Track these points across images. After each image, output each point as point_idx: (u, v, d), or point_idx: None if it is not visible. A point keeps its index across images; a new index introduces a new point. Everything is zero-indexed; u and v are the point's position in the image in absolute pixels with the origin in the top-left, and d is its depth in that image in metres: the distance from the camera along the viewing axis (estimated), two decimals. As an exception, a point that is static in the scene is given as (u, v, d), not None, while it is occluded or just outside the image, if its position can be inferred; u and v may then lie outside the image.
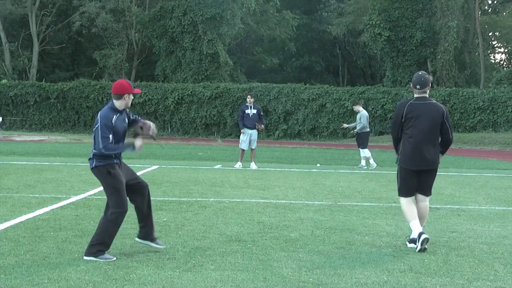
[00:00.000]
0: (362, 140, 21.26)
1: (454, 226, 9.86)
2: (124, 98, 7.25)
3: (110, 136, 7.12)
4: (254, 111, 20.20)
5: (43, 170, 17.33)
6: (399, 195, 8.37)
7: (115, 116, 7.20)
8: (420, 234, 7.85)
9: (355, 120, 22.11)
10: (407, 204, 8.22)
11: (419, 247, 7.80)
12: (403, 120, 8.16)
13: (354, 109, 22.26)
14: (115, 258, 7.07)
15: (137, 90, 7.36)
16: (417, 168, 8.13)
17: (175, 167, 19.56)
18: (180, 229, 8.97)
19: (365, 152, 21.10)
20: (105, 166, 7.20)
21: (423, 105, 8.11)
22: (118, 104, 7.27)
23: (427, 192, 8.31)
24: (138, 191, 7.49)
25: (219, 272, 6.62)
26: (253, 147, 20.34)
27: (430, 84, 8.24)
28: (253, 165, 20.11)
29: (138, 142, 7.30)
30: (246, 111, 20.18)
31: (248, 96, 20.47)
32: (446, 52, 49.03)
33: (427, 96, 8.20)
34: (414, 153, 8.08)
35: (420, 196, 8.30)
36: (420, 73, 8.29)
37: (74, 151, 26.77)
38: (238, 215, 10.43)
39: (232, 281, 6.29)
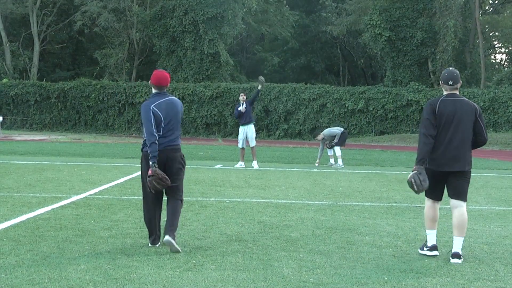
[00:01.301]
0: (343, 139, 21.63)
1: (455, 226, 9.84)
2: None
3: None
4: (245, 105, 20.13)
5: (44, 170, 17.33)
6: (426, 196, 7.86)
7: None
8: (433, 248, 7.65)
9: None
10: (429, 208, 7.82)
11: (423, 253, 7.73)
12: (436, 117, 7.51)
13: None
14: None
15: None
16: (449, 170, 7.55)
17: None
18: (180, 229, 8.96)
19: (340, 151, 21.46)
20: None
21: (456, 102, 7.58)
22: None
23: (462, 196, 7.67)
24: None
25: (219, 272, 6.62)
26: (252, 145, 20.14)
27: (461, 82, 7.73)
28: (254, 164, 20.00)
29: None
30: (239, 108, 20.19)
31: (241, 95, 20.49)
32: (445, 52, 49.01)
33: (458, 93, 7.72)
34: (446, 154, 7.52)
35: (454, 202, 7.70)
36: (451, 68, 7.85)
37: (75, 150, 26.78)
38: (239, 214, 10.43)
39: (232, 281, 6.29)
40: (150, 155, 7.59)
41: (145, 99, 48.61)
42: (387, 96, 45.87)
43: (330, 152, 21.64)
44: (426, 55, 50.76)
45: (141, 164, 7.93)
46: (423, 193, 7.75)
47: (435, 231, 7.82)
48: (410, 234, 9.01)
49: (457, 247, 7.54)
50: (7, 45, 57.02)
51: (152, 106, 7.71)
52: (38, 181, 14.53)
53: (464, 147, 7.57)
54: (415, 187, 7.49)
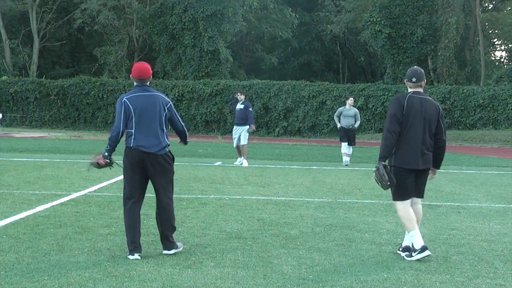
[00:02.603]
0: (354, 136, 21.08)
1: (454, 223, 9.86)
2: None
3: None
4: (242, 106, 20.06)
5: (43, 167, 17.33)
6: (394, 200, 7.54)
7: None
8: (423, 249, 7.24)
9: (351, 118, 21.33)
10: (405, 209, 7.43)
11: (415, 258, 7.24)
12: (403, 112, 7.38)
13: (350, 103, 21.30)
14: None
15: None
16: (416, 168, 7.43)
17: (175, 164, 19.49)
18: (180, 226, 8.96)
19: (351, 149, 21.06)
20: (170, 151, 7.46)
21: (422, 100, 7.51)
22: None
23: (422, 193, 7.68)
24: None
25: (219, 269, 6.62)
26: (242, 143, 19.93)
27: (425, 80, 7.71)
28: (244, 162, 19.86)
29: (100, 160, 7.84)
30: (236, 107, 20.16)
31: (238, 94, 20.35)
32: (447, 49, 48.99)
33: (422, 91, 7.66)
34: (413, 151, 7.41)
35: (415, 199, 7.62)
36: (415, 67, 7.86)
37: (74, 148, 26.78)
38: (238, 212, 10.43)
39: (232, 278, 6.29)
40: (107, 147, 7.36)
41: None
42: (386, 94, 45.85)
43: (349, 151, 20.91)
44: (426, 52, 50.75)
45: (172, 164, 7.50)
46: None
47: (417, 230, 7.41)
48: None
49: (408, 241, 7.51)
50: (7, 42, 56.98)
51: (125, 98, 7.28)
52: (38, 178, 14.52)
53: (430, 145, 7.51)
54: (380, 184, 7.36)
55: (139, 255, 7.02)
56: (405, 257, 7.34)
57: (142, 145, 7.18)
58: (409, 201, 7.49)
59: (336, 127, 22.42)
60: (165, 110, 7.32)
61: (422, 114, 7.44)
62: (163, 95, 7.46)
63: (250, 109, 20.17)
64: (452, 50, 49.06)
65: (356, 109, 21.34)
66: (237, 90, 23.23)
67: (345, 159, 20.79)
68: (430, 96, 37.23)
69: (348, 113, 20.96)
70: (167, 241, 7.24)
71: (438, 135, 7.55)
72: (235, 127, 20.21)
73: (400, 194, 7.46)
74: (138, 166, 7.23)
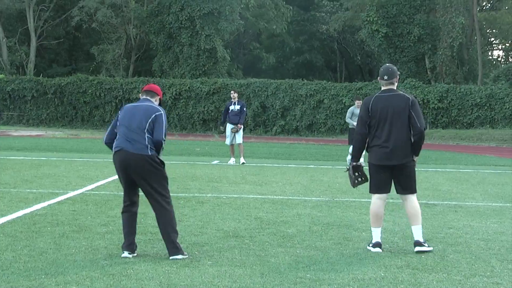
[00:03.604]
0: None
1: (451, 222, 9.87)
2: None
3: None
4: (238, 106, 20.21)
5: (41, 165, 17.31)
6: (370, 192, 7.98)
7: None
8: (376, 245, 7.69)
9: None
10: (374, 204, 7.85)
11: (368, 248, 7.73)
12: (370, 114, 7.73)
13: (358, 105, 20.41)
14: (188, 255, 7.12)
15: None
16: (387, 164, 7.68)
17: (173, 162, 19.55)
18: (177, 225, 8.96)
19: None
20: (155, 155, 7.20)
21: (390, 97, 7.72)
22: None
23: (409, 189, 7.77)
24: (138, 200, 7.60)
25: (216, 268, 6.63)
26: (239, 141, 20.05)
27: (398, 76, 7.89)
28: (241, 160, 19.94)
29: None
30: (230, 107, 20.25)
31: (232, 92, 20.59)
32: (449, 48, 48.98)
33: (395, 88, 7.84)
34: (383, 148, 7.66)
35: (402, 196, 7.85)
36: (387, 64, 8.04)
37: (72, 146, 26.75)
38: (236, 210, 10.43)
39: (229, 277, 6.29)
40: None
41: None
42: (384, 93, 45.86)
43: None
44: (423, 51, 50.76)
45: (161, 167, 7.37)
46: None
47: (379, 229, 7.81)
48: (407, 230, 9.00)
49: (416, 235, 7.71)
50: (4, 40, 56.86)
51: (124, 106, 7.51)
52: (35, 176, 14.52)
53: (401, 141, 7.68)
54: (350, 181, 8.12)
55: (128, 253, 7.05)
56: (367, 246, 7.82)
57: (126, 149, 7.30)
58: (381, 196, 7.85)
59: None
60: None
61: (390, 112, 7.69)
62: (155, 106, 7.39)
63: (245, 109, 20.51)
64: (455, 49, 49.06)
65: None
66: (231, 88, 23.30)
67: (348, 157, 20.54)
68: (427, 95, 37.31)
69: (358, 113, 20.63)
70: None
71: (412, 125, 7.71)
72: (228, 124, 20.25)
73: (373, 188, 7.91)
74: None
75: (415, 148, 7.77)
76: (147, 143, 7.14)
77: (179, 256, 7.03)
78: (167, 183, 7.30)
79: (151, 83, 7.87)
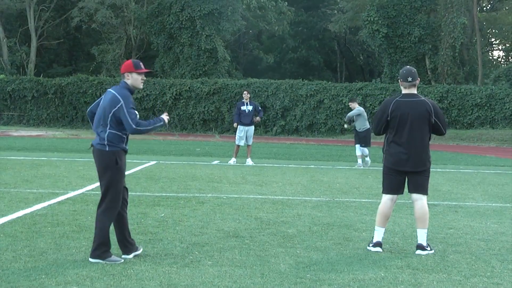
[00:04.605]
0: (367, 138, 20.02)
1: (451, 222, 9.87)
2: (127, 77, 7.01)
3: (136, 112, 6.89)
4: (250, 107, 20.22)
5: (41, 166, 17.31)
6: (382, 192, 7.94)
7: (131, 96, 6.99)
8: (376, 244, 7.71)
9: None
10: (383, 204, 7.82)
11: (369, 248, 7.75)
12: (388, 118, 7.68)
13: (350, 106, 20.67)
14: (122, 260, 6.87)
15: (142, 70, 7.06)
16: (403, 169, 7.69)
17: (173, 162, 19.56)
18: (177, 225, 8.97)
19: (366, 151, 20.09)
20: (115, 153, 6.88)
21: (411, 103, 7.65)
22: (129, 83, 7.02)
23: (421, 190, 7.75)
24: (123, 200, 7.14)
25: (216, 268, 6.63)
26: (249, 143, 20.33)
27: (419, 79, 7.82)
28: (249, 161, 20.07)
29: (165, 116, 7.12)
30: (242, 107, 20.23)
31: (245, 92, 20.49)
32: (451, 49, 48.96)
33: (416, 92, 7.78)
34: (400, 154, 7.64)
35: (413, 195, 7.79)
36: (408, 66, 7.95)
37: (72, 146, 26.75)
38: (236, 211, 10.43)
39: (229, 277, 6.29)
40: (149, 127, 7.02)
41: (142, 95, 48.68)
42: (384, 93, 45.87)
43: (361, 152, 20.00)
44: (423, 51, 50.77)
45: (111, 166, 6.98)
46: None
47: (383, 229, 7.82)
48: (407, 231, 9.02)
49: (420, 239, 7.72)
50: (4, 40, 56.88)
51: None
52: (35, 177, 14.51)
53: (419, 148, 7.67)
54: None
55: (133, 253, 7.02)
56: (367, 246, 7.84)
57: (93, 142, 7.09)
58: (393, 197, 7.83)
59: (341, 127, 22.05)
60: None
61: (410, 118, 7.62)
62: (116, 94, 6.95)
63: (260, 108, 20.71)
64: (457, 50, 49.03)
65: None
66: (244, 89, 23.25)
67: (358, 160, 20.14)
68: (427, 95, 37.15)
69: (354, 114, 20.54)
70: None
71: (437, 131, 7.76)
72: (241, 127, 20.21)
73: (385, 188, 7.89)
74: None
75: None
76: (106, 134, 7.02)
77: (97, 260, 6.80)
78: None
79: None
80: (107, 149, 6.89)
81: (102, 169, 6.94)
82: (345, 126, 20.64)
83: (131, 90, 7.04)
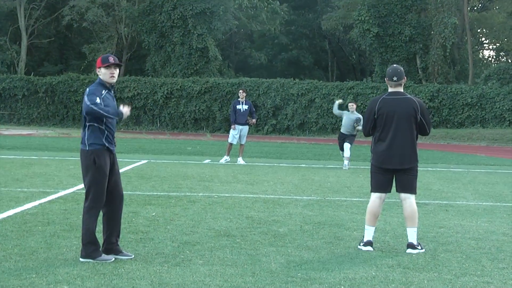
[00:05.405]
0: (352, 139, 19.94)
1: (442, 221, 9.90)
2: (98, 73, 7.03)
3: (98, 99, 6.85)
4: (246, 106, 20.23)
5: (32, 164, 17.26)
6: (370, 191, 7.98)
7: (104, 91, 7.00)
8: (367, 244, 7.72)
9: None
10: (372, 202, 7.84)
11: (359, 247, 7.76)
12: (375, 116, 7.74)
13: (351, 107, 20.41)
14: (113, 259, 6.82)
15: (108, 63, 6.98)
16: (389, 167, 7.73)
17: (164, 161, 19.54)
18: (168, 224, 8.96)
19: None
20: (94, 151, 6.89)
21: (397, 100, 7.69)
22: (101, 78, 7.03)
23: (409, 189, 7.76)
24: (112, 198, 7.10)
25: (207, 267, 6.62)
26: (243, 142, 20.34)
27: (405, 78, 7.85)
28: (240, 160, 20.07)
29: (125, 108, 7.07)
30: (238, 106, 20.22)
31: (240, 91, 20.46)
32: (441, 48, 49.09)
33: (402, 90, 7.81)
34: (387, 152, 7.68)
35: (402, 195, 7.82)
36: (395, 65, 7.95)
37: (63, 145, 26.68)
38: (227, 210, 10.43)
39: (220, 276, 6.29)
40: (104, 111, 6.96)
41: (133, 94, 48.59)
42: (375, 92, 45.98)
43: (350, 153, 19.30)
44: (414, 51, 50.89)
45: (89, 166, 7.05)
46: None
47: (373, 228, 7.85)
48: (398, 230, 9.04)
49: (411, 237, 7.73)
50: (-6, 39, 56.68)
51: None
52: (26, 176, 14.47)
53: (406, 146, 7.71)
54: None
55: (114, 256, 6.93)
56: (358, 245, 7.85)
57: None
58: (381, 195, 7.85)
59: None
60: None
61: (396, 116, 7.66)
62: (87, 89, 7.01)
63: (253, 108, 20.69)
64: (448, 49, 49.17)
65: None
66: (240, 87, 23.18)
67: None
68: (418, 95, 37.17)
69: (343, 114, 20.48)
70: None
71: (422, 129, 7.79)
72: (237, 126, 20.20)
73: (373, 187, 7.92)
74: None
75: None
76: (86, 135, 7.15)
77: (87, 260, 6.79)
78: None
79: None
80: (87, 148, 6.99)
81: (84, 169, 7.07)
82: (359, 128, 19.57)
83: (105, 85, 7.07)
